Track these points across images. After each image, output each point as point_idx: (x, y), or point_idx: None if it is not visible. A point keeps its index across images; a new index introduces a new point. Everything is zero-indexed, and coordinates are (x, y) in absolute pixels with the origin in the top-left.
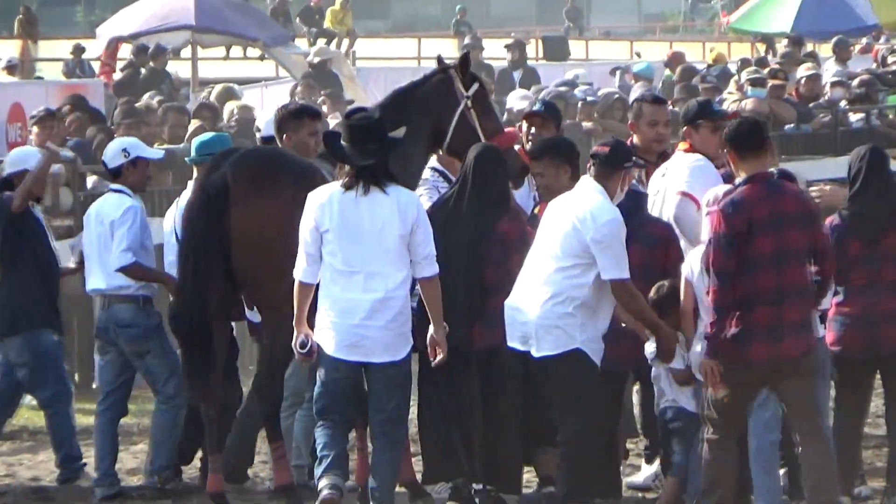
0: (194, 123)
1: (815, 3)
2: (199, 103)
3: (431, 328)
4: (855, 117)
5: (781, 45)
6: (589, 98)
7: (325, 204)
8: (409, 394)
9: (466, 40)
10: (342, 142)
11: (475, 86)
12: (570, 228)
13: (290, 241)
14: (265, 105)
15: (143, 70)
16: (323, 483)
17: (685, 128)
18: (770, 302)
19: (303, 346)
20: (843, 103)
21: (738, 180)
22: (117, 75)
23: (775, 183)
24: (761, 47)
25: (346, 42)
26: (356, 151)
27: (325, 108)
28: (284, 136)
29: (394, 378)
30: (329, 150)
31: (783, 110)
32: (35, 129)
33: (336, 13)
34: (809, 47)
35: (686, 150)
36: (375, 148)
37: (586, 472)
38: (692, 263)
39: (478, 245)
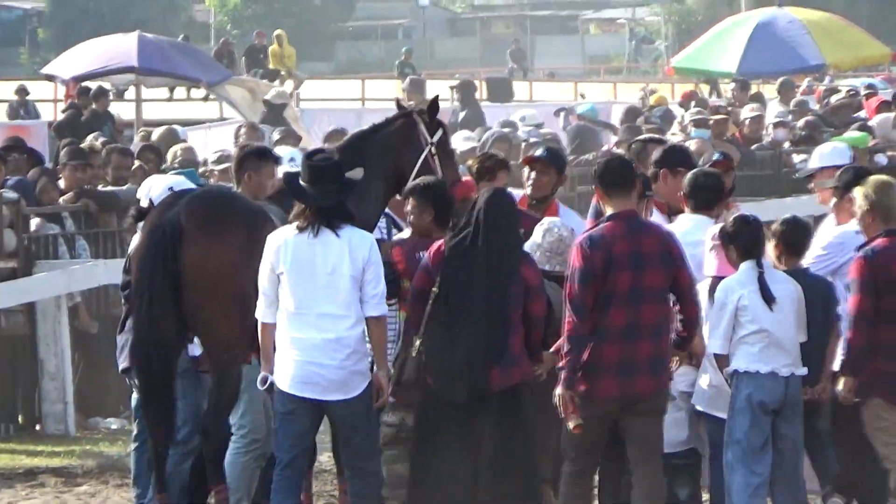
0: (138, 164)
1: (761, 44)
2: (142, 146)
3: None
4: (798, 158)
5: (725, 86)
6: (532, 139)
7: (280, 246)
8: (376, 427)
9: (406, 81)
10: (301, 181)
11: (439, 132)
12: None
13: (240, 283)
14: (209, 146)
15: (84, 112)
16: None
17: (662, 170)
18: (623, 338)
19: (263, 381)
20: (786, 144)
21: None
22: (60, 116)
23: (638, 222)
24: (705, 88)
25: (290, 84)
26: (316, 191)
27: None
28: (246, 174)
29: (351, 414)
30: (289, 189)
31: (729, 152)
32: None
33: (277, 52)
34: (754, 88)
35: None
36: (334, 188)
37: None
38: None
39: (503, 289)
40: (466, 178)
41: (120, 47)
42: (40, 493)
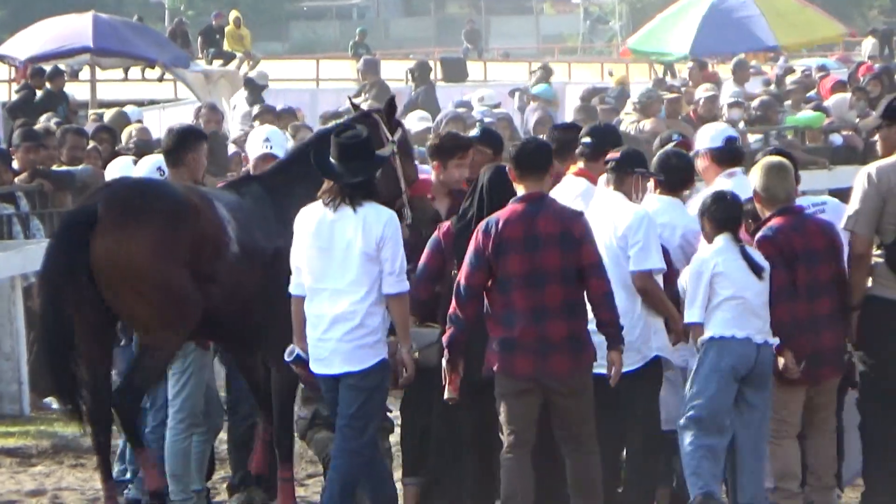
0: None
1: (714, 25)
2: (96, 126)
3: (402, 347)
4: (753, 138)
5: (682, 66)
6: (486, 119)
7: (305, 222)
8: (378, 405)
9: (361, 62)
10: (331, 158)
11: (399, 131)
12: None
13: (157, 271)
14: (164, 126)
15: (38, 92)
16: None
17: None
18: (532, 320)
19: (290, 354)
20: (741, 124)
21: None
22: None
23: (539, 204)
24: (660, 69)
25: (245, 64)
26: (344, 168)
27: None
28: (189, 155)
29: (354, 387)
30: (317, 166)
31: (684, 132)
32: None
33: (233, 33)
34: (710, 69)
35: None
36: (362, 165)
37: None
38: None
39: None
40: (424, 176)
41: (75, 28)
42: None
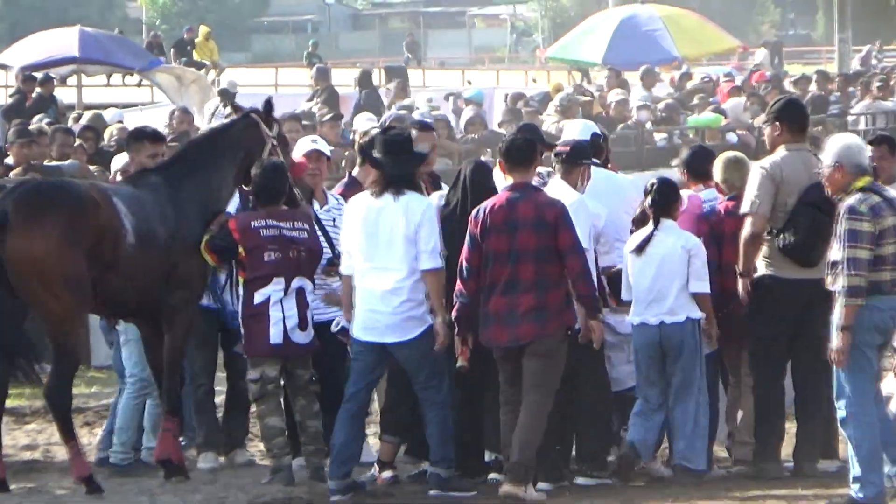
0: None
1: (624, 37)
2: (82, 126)
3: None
4: (658, 136)
5: (598, 73)
6: (426, 118)
7: (354, 210)
8: (440, 366)
9: (314, 70)
10: (375, 153)
11: (276, 127)
12: None
13: (65, 268)
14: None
15: (29, 97)
16: (331, 485)
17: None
18: (505, 292)
19: (336, 325)
20: (648, 125)
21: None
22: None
23: (521, 192)
24: (577, 75)
25: (213, 72)
26: (389, 161)
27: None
28: (129, 156)
29: (411, 355)
30: (366, 160)
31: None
32: None
33: (202, 45)
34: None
35: None
36: (405, 159)
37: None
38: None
39: None
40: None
41: (63, 40)
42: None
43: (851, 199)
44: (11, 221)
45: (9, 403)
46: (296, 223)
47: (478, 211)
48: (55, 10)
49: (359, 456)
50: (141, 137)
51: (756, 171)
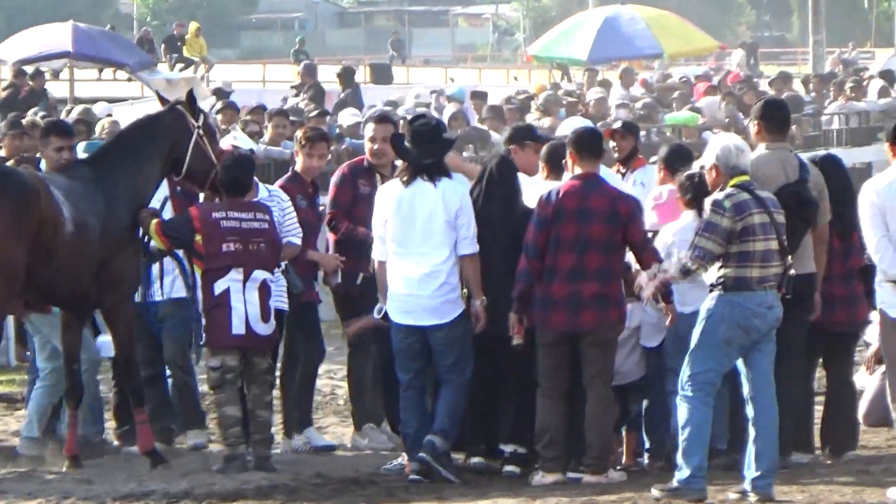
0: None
1: (608, 35)
2: (75, 119)
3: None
4: None
5: (576, 72)
6: (409, 116)
7: (387, 198)
8: (468, 351)
9: (301, 66)
10: (405, 143)
11: (202, 117)
12: None
13: (5, 251)
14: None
15: (21, 90)
16: (412, 467)
17: (513, 146)
18: (570, 279)
19: (379, 311)
20: None
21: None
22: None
23: (593, 182)
24: (558, 74)
25: (202, 68)
26: (417, 150)
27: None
28: (39, 150)
29: (445, 337)
30: (394, 149)
31: None
32: None
33: (192, 41)
34: (601, 76)
35: None
36: (433, 148)
37: None
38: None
39: (519, 238)
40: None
41: (57, 35)
42: None
43: (720, 195)
44: None
45: (1, 390)
46: (257, 214)
47: (548, 195)
48: (46, 6)
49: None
50: (49, 132)
51: None
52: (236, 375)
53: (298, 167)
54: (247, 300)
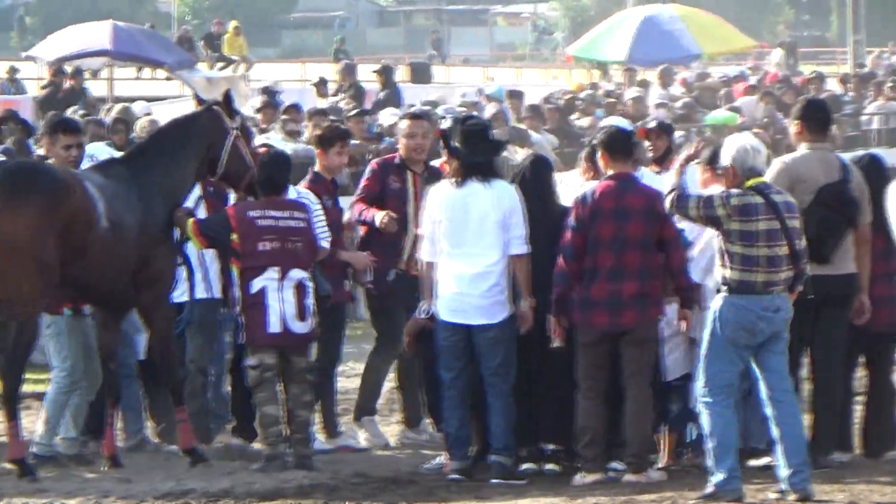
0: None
1: (646, 36)
2: (114, 118)
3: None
4: (677, 134)
5: (615, 71)
6: (448, 116)
7: (439, 198)
8: (513, 353)
9: (341, 65)
10: (455, 143)
11: (237, 118)
12: None
13: (39, 249)
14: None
15: (61, 89)
16: (452, 466)
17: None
18: (610, 278)
19: (426, 312)
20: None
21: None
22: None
23: (628, 182)
24: (598, 73)
25: (242, 66)
26: (468, 150)
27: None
28: (45, 148)
29: (494, 338)
30: (445, 148)
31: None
32: None
33: (232, 40)
34: (641, 75)
35: None
36: (486, 148)
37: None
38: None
39: (558, 238)
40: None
41: (96, 34)
42: (26, 414)
43: (733, 191)
44: None
45: (42, 388)
46: (294, 213)
47: (583, 197)
48: (85, 5)
49: (471, 438)
50: (56, 129)
51: (776, 163)
52: (275, 374)
53: (318, 167)
54: (283, 299)
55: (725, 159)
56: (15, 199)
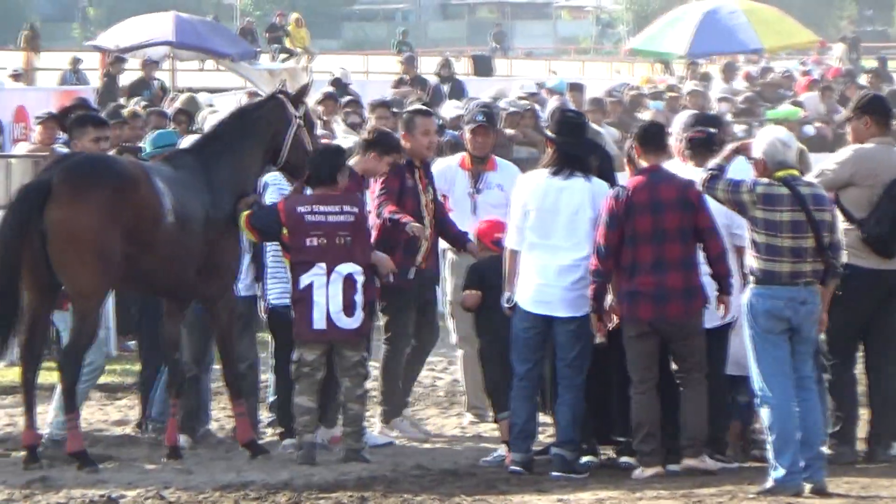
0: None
1: (707, 29)
2: (177, 109)
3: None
4: (739, 128)
5: (677, 65)
6: (511, 109)
7: (531, 187)
8: (589, 349)
9: (403, 57)
10: (551, 133)
11: (302, 108)
12: None
13: (102, 240)
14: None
15: (117, 79)
16: (513, 458)
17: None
18: (653, 271)
19: (508, 301)
20: (728, 116)
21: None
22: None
23: (660, 174)
24: (660, 67)
25: (304, 58)
26: (566, 142)
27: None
28: (73, 141)
29: (574, 331)
30: (544, 135)
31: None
32: (38, 128)
33: (294, 32)
34: (702, 69)
35: None
36: (584, 142)
37: None
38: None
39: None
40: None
41: (159, 25)
42: (86, 406)
43: (760, 179)
44: (56, 191)
45: (101, 380)
46: (344, 207)
47: (618, 192)
48: None
49: (537, 432)
50: (84, 122)
51: (847, 150)
52: (313, 369)
53: (357, 166)
54: (329, 294)
55: (756, 152)
56: (80, 192)
